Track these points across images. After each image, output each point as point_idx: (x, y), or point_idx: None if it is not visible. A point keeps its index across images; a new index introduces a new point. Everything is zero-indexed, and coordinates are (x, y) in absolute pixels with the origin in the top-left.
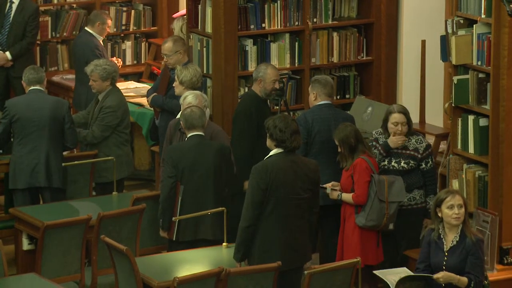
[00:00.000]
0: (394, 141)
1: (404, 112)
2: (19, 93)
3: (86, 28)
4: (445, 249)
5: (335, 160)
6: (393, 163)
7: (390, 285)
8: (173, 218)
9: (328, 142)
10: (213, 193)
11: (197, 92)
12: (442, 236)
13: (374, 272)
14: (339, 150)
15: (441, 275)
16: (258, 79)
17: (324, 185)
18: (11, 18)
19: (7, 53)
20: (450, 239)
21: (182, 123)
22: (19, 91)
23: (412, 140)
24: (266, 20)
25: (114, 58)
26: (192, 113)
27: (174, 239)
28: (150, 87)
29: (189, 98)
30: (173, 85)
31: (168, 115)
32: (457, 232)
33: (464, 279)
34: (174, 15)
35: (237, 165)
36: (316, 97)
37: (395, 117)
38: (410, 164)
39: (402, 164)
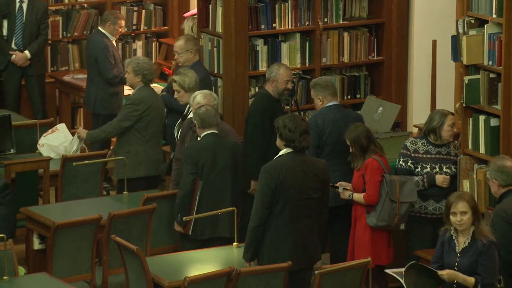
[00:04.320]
0: (441, 180)
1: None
2: (32, 92)
3: (99, 27)
4: (457, 250)
5: (346, 160)
6: (445, 169)
7: (399, 278)
8: (184, 218)
9: (338, 143)
10: (230, 190)
11: (206, 91)
12: (454, 238)
13: (387, 271)
14: (350, 150)
15: (445, 273)
16: (270, 79)
17: (336, 184)
18: (24, 18)
19: (26, 52)
20: (462, 240)
21: (197, 122)
22: (33, 90)
23: (451, 146)
24: (277, 20)
25: None
26: (207, 112)
27: (190, 233)
28: (160, 86)
29: (198, 98)
30: (179, 95)
31: (176, 115)
32: (469, 234)
33: (471, 279)
34: (185, 15)
35: (249, 165)
36: (323, 101)
37: (451, 118)
38: (455, 168)
39: (453, 169)
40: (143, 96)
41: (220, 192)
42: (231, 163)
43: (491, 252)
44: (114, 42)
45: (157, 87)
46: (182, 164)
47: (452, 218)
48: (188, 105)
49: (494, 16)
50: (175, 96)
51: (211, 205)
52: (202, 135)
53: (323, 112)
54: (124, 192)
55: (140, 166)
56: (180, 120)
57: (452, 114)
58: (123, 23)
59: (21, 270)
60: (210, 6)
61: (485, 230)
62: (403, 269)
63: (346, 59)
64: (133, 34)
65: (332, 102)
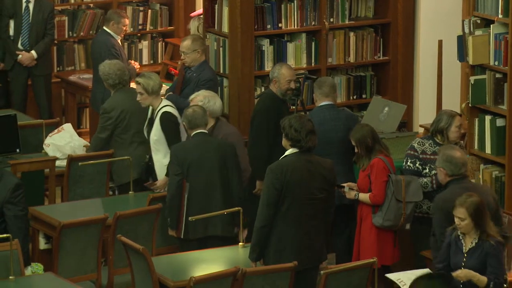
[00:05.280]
0: None
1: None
2: (39, 92)
3: (104, 27)
4: (464, 251)
5: (338, 161)
6: None
7: (400, 285)
8: (190, 218)
9: (330, 143)
10: (220, 189)
11: (206, 92)
12: (461, 238)
13: (387, 275)
14: (355, 150)
15: (460, 272)
16: (273, 80)
17: (343, 184)
18: (30, 18)
19: (33, 52)
20: (469, 241)
21: (185, 123)
22: (39, 89)
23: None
24: (283, 20)
25: (132, 61)
26: (194, 113)
27: (182, 237)
28: (167, 87)
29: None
30: (142, 98)
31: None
32: (476, 235)
33: (484, 279)
34: (192, 14)
35: (254, 165)
36: (316, 100)
37: (458, 119)
38: None
39: None
40: (113, 102)
41: (209, 192)
42: (219, 162)
43: (498, 253)
44: (119, 41)
45: (164, 86)
46: (170, 164)
47: (455, 219)
48: (151, 108)
49: (500, 16)
50: (138, 98)
51: (201, 205)
52: (192, 135)
53: (313, 112)
54: (130, 192)
55: (128, 169)
56: (147, 123)
57: (460, 115)
58: (127, 21)
59: (40, 266)
60: (216, 6)
61: (492, 231)
62: (404, 274)
63: (352, 59)
64: (139, 34)
65: (324, 102)
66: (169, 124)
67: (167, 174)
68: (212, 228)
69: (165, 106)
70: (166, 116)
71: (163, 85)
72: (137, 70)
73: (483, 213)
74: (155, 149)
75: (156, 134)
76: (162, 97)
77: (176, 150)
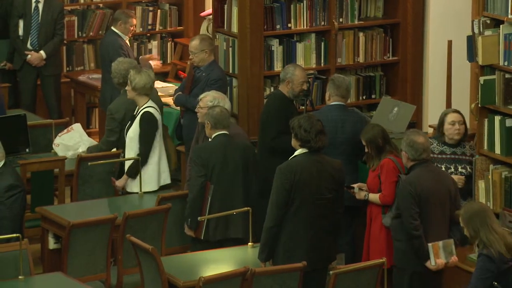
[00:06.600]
0: (455, 181)
1: (460, 112)
2: (48, 92)
3: (112, 27)
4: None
5: (345, 161)
6: (460, 169)
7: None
8: (199, 218)
9: (334, 144)
10: (242, 191)
11: (212, 92)
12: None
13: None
14: (366, 150)
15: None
16: (286, 80)
17: (352, 185)
18: (39, 18)
19: (42, 52)
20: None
21: (210, 122)
22: (48, 90)
23: (467, 147)
24: (292, 20)
25: (151, 55)
26: (222, 114)
27: (202, 238)
28: (176, 86)
29: (205, 99)
30: (126, 89)
31: (192, 114)
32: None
33: None
34: (201, 14)
35: (264, 165)
36: (329, 98)
37: (452, 115)
38: (470, 169)
39: (468, 169)
40: (118, 103)
41: (231, 193)
42: (242, 164)
43: (477, 265)
44: (127, 41)
45: (172, 86)
46: (192, 165)
47: None
48: (137, 107)
49: (510, 16)
50: (127, 88)
51: (223, 207)
52: (213, 136)
53: (323, 110)
54: (139, 192)
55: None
56: (130, 121)
57: (458, 112)
58: (134, 21)
59: None
60: (226, 6)
61: (489, 242)
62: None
63: (361, 59)
64: (148, 34)
65: (337, 102)
66: (148, 124)
67: (126, 173)
68: (234, 230)
69: (149, 106)
70: (146, 115)
71: (172, 85)
72: (155, 65)
73: (479, 221)
74: (128, 146)
75: (133, 132)
76: (149, 99)
77: (200, 150)
